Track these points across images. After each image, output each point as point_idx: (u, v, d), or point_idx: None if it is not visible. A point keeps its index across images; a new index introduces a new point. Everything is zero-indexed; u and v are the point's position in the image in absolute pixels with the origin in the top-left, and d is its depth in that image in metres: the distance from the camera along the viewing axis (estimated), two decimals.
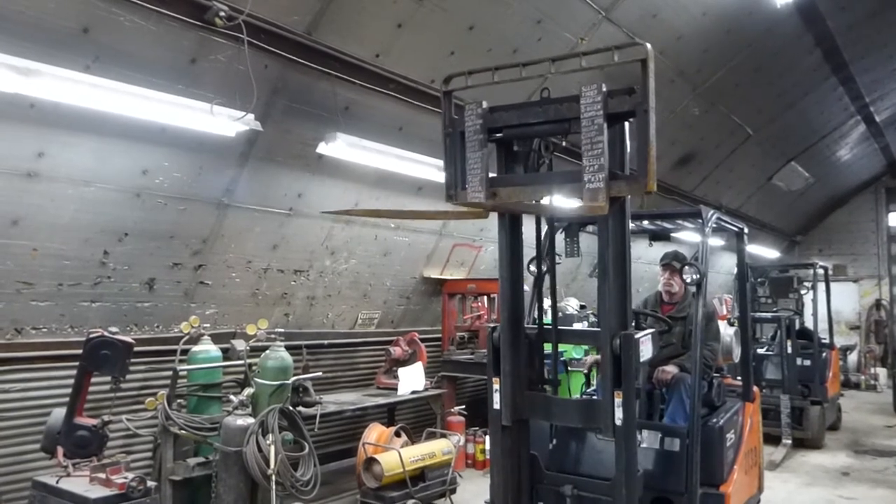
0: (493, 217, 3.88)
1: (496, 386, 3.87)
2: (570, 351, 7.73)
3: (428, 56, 6.51)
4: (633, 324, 4.10)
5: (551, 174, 3.78)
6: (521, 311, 3.97)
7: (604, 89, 3.28)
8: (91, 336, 4.93)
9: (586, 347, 7.70)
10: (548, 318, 4.46)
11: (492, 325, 3.98)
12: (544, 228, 4.40)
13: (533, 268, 4.43)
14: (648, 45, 3.21)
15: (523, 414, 3.91)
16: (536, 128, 3.63)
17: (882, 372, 16.49)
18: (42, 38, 4.37)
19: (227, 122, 5.11)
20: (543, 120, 3.55)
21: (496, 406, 3.86)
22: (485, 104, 3.66)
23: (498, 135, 3.74)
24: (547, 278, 4.34)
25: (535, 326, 4.18)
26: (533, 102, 3.64)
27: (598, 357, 5.15)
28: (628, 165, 3.48)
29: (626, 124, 3.44)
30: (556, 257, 4.44)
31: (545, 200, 4.01)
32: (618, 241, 3.56)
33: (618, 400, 3.44)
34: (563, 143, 3.83)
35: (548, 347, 4.16)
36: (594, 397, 4.78)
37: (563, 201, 3.99)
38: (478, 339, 9.69)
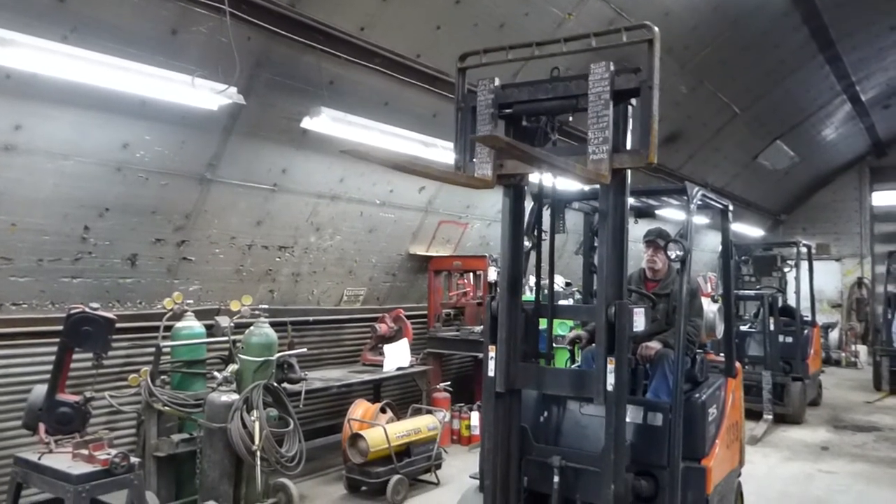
0: (481, 194, 3.94)
1: (492, 353, 3.99)
2: (555, 327, 7.75)
3: (414, 30, 6.43)
4: None
5: (557, 148, 3.92)
6: (520, 283, 4.09)
7: (612, 67, 3.51)
8: (72, 312, 4.86)
9: (571, 324, 7.74)
10: (531, 297, 4.50)
11: (491, 296, 4.12)
12: (533, 204, 4.42)
13: (527, 242, 4.43)
14: (656, 28, 3.43)
15: (516, 383, 4.01)
16: (546, 104, 3.82)
17: (863, 349, 16.72)
18: (17, 7, 4.27)
19: (209, 96, 5.02)
20: (553, 96, 3.75)
21: (491, 373, 3.97)
22: (497, 81, 3.85)
23: (508, 110, 3.91)
24: (535, 256, 4.39)
25: (532, 301, 4.30)
26: (543, 80, 3.82)
27: (580, 332, 5.20)
28: (629, 143, 3.65)
29: (630, 108, 3.64)
30: (543, 234, 4.45)
31: (548, 179, 4.25)
32: (617, 213, 3.73)
33: (610, 366, 3.59)
34: (570, 119, 3.97)
35: (542, 323, 4.26)
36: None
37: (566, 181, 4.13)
38: (464, 315, 9.71)
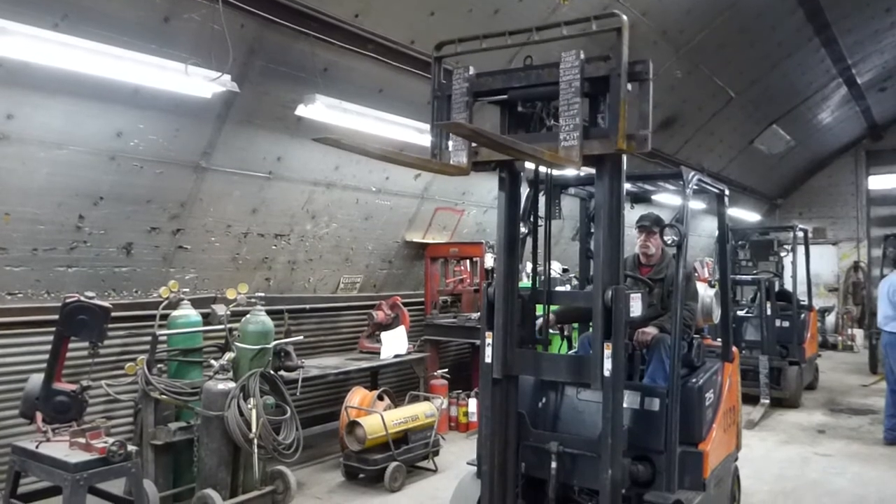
0: (477, 181, 3.96)
1: (489, 340, 4.00)
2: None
3: (408, 16, 6.37)
4: None
5: (530, 135, 3.90)
6: (516, 269, 4.09)
7: (582, 56, 3.55)
8: (67, 301, 4.85)
9: None
10: (527, 283, 4.49)
11: (487, 282, 4.16)
12: (529, 190, 4.41)
13: (523, 228, 4.42)
14: (624, 17, 3.48)
15: (513, 369, 4.02)
16: (520, 91, 3.83)
17: (859, 333, 16.78)
18: None
19: (203, 83, 4.98)
20: (525, 84, 3.78)
21: (488, 360, 3.98)
22: (471, 69, 3.89)
23: (484, 98, 3.95)
24: (531, 242, 4.39)
25: (529, 288, 4.31)
26: (517, 69, 3.85)
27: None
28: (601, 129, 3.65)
29: (605, 95, 3.61)
30: (539, 220, 4.44)
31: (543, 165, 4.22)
32: (613, 198, 3.74)
33: (607, 351, 3.61)
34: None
35: (539, 310, 4.26)
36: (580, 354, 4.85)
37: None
38: (461, 302, 9.72)
